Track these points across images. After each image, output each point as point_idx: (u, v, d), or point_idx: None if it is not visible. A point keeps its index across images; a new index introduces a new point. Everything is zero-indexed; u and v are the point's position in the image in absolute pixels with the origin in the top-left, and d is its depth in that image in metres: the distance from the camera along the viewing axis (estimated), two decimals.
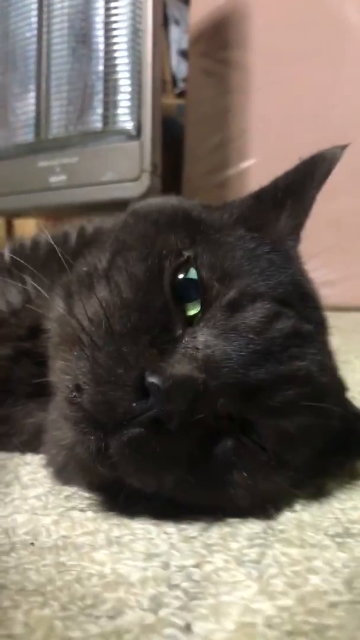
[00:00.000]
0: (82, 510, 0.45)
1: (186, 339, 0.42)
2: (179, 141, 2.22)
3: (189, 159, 2.14)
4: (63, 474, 0.49)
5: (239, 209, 0.54)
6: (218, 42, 2.00)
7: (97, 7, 1.67)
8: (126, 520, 0.43)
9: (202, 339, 0.42)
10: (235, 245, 0.46)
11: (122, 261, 0.46)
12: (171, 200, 0.56)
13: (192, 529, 0.42)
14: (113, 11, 1.65)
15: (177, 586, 0.35)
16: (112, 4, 1.65)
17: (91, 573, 0.36)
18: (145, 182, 1.58)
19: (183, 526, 0.42)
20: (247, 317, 0.42)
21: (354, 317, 1.46)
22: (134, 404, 0.38)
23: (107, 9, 1.65)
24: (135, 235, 0.49)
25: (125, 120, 1.64)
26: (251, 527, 0.42)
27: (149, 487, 0.42)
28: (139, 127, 1.61)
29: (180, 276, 0.44)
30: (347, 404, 0.52)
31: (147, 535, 0.41)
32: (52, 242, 0.55)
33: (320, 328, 0.46)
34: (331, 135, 1.94)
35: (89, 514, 0.45)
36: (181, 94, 2.53)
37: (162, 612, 0.32)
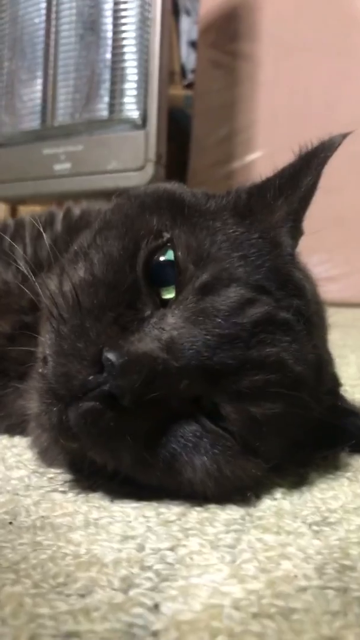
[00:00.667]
0: (63, 492, 0.45)
1: (154, 320, 0.42)
2: (186, 132, 2.22)
3: (195, 150, 2.14)
4: (47, 455, 0.50)
5: (233, 196, 0.53)
6: (227, 34, 1.99)
7: None
8: (106, 503, 0.44)
9: (171, 320, 0.42)
10: (217, 230, 0.46)
11: (101, 240, 0.47)
12: (166, 185, 0.56)
13: (170, 514, 0.42)
14: None
15: (149, 568, 0.35)
16: None
17: (66, 553, 0.36)
18: (149, 171, 1.58)
19: (162, 510, 0.43)
20: (218, 301, 0.42)
21: (354, 313, 1.46)
22: (90, 378, 0.39)
23: None
24: (119, 215, 0.49)
25: (131, 109, 1.64)
26: (230, 513, 0.43)
27: (108, 463, 0.42)
28: (144, 117, 1.61)
29: (161, 258, 0.44)
30: (337, 396, 0.52)
31: (125, 518, 0.41)
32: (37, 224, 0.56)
33: (301, 318, 0.45)
34: (339, 129, 1.92)
35: (70, 495, 0.45)
36: (190, 85, 2.52)
37: (132, 592, 0.32)
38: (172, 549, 0.37)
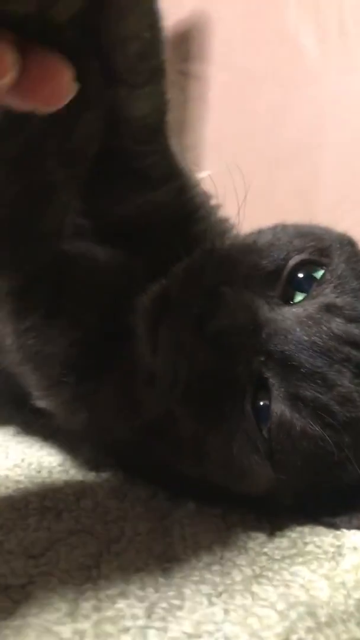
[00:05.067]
0: None
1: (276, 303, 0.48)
2: None
3: None
4: None
5: None
6: (180, 54, 2.03)
7: None
8: None
9: (288, 310, 0.47)
10: None
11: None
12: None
13: None
14: None
15: None
16: None
17: None
18: None
19: None
20: (332, 322, 0.46)
21: None
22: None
23: None
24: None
25: None
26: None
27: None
28: None
29: (313, 273, 0.49)
30: None
31: None
32: None
33: None
34: (282, 153, 1.97)
35: None
36: None
37: None
38: None
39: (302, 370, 0.44)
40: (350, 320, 0.46)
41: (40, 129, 0.43)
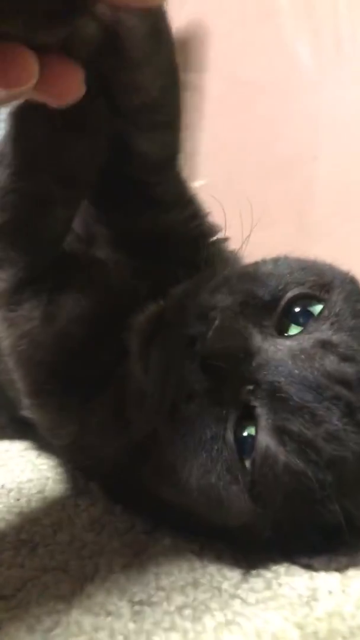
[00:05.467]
0: None
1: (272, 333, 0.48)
2: None
3: None
4: None
5: None
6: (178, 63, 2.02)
7: None
8: None
9: (283, 341, 0.46)
10: None
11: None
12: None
13: None
14: None
15: None
16: None
17: None
18: None
19: None
20: (326, 359, 0.45)
21: None
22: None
23: None
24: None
25: None
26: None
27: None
28: None
29: (308, 308, 0.49)
30: None
31: None
32: None
33: None
34: (277, 165, 1.97)
35: None
36: None
37: None
38: None
39: (290, 403, 0.44)
40: (345, 359, 0.46)
41: (38, 143, 0.47)
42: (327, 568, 0.47)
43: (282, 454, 0.43)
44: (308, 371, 0.44)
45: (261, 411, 0.44)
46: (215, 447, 0.45)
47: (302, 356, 0.45)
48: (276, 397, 0.44)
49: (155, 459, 0.49)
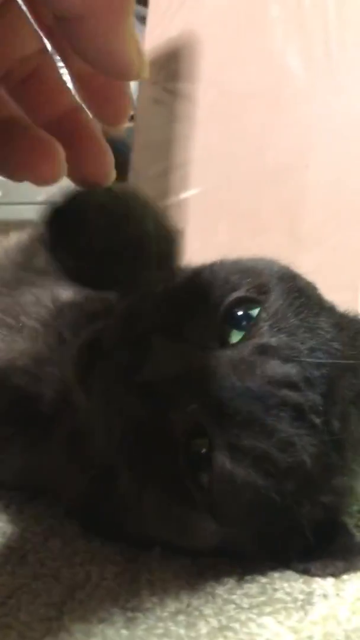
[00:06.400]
0: None
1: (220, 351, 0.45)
2: (126, 164, 2.24)
3: (134, 183, 2.17)
4: None
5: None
6: (168, 72, 2.04)
7: None
8: None
9: (219, 354, 0.44)
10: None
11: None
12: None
13: None
14: None
15: None
16: None
17: None
18: None
19: None
20: (266, 365, 0.43)
21: None
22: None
23: None
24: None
25: None
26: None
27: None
28: None
29: (249, 311, 0.47)
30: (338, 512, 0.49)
31: None
32: None
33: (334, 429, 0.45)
34: (268, 173, 1.98)
35: None
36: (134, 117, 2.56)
37: None
38: None
39: (238, 418, 0.42)
40: (287, 360, 0.44)
41: None
42: (323, 574, 0.46)
43: (238, 471, 0.42)
44: (250, 381, 0.43)
45: (212, 430, 0.43)
46: (169, 474, 0.44)
47: (243, 366, 0.43)
48: (223, 414, 0.42)
49: (115, 493, 0.47)
